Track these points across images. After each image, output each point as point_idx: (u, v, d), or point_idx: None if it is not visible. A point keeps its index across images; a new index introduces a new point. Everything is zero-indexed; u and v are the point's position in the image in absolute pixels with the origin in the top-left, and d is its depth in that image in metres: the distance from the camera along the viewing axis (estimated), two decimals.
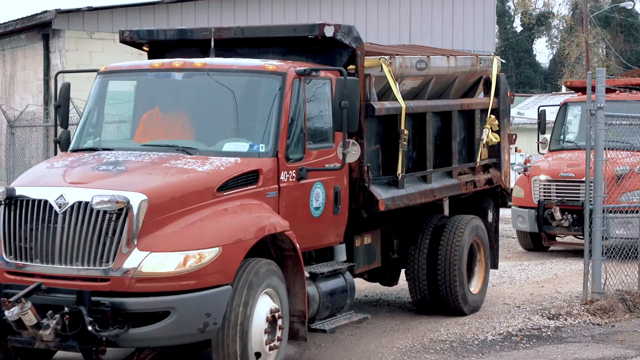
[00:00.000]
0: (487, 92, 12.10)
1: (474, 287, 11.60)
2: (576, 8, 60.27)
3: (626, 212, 14.47)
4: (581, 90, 18.03)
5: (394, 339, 10.15)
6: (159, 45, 10.29)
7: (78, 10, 18.39)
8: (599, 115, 11.73)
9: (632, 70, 21.65)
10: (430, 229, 11.22)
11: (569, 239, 17.15)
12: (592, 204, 11.87)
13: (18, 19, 19.38)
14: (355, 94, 8.61)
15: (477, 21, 21.59)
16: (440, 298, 11.11)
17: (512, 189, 15.97)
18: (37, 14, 18.57)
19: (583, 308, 11.53)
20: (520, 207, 16.73)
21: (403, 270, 11.45)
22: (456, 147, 11.35)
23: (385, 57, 10.09)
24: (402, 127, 10.09)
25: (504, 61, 11.81)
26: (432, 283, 11.10)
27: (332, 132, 8.97)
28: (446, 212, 11.86)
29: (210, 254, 7.54)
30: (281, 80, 8.68)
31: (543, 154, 17.70)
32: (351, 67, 9.41)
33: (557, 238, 17.02)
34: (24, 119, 18.58)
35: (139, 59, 11.40)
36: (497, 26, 51.67)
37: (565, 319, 11.18)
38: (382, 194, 9.81)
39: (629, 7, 52.63)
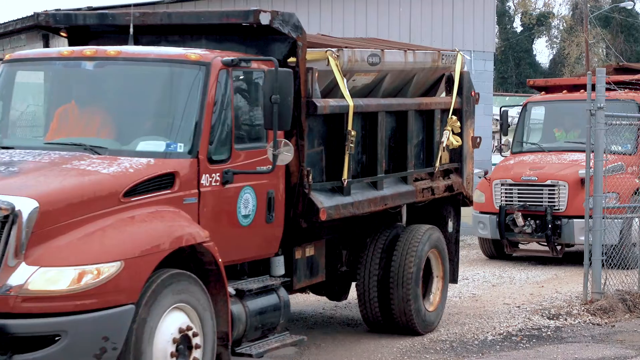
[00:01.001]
0: (449, 91, 11.05)
1: (431, 303, 10.55)
2: (576, 8, 60.25)
3: (591, 218, 14.35)
4: (544, 89, 17.65)
5: (394, 339, 10.15)
6: (81, 32, 9.20)
7: (78, 10, 18.35)
8: (599, 115, 11.72)
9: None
10: (383, 239, 10.19)
11: (533, 245, 16.11)
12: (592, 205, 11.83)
13: (18, 19, 19.34)
14: (287, 88, 7.67)
15: (477, 21, 21.54)
16: (392, 316, 10.10)
17: (474, 200, 15.52)
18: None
19: (583, 308, 11.53)
20: (481, 212, 15.76)
21: (354, 284, 10.42)
22: (412, 151, 10.30)
23: (332, 49, 9.05)
24: (349, 127, 9.09)
25: (468, 57, 11.16)
26: (383, 299, 10.07)
27: (265, 131, 8.01)
28: (404, 221, 10.77)
29: (110, 269, 6.57)
30: (205, 71, 7.74)
31: (505, 156, 16.93)
32: (292, 59, 8.48)
33: (520, 245, 16.04)
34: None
35: None
36: (497, 26, 51.69)
37: (565, 319, 11.18)
38: (325, 202, 8.81)
39: (629, 7, 52.62)
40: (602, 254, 11.72)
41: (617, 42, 56.03)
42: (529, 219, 15.12)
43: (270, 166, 7.82)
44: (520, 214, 15.09)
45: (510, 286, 13.68)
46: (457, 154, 11.16)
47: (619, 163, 14.87)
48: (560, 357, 9.50)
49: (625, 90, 15.44)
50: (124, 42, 8.49)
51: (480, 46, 21.61)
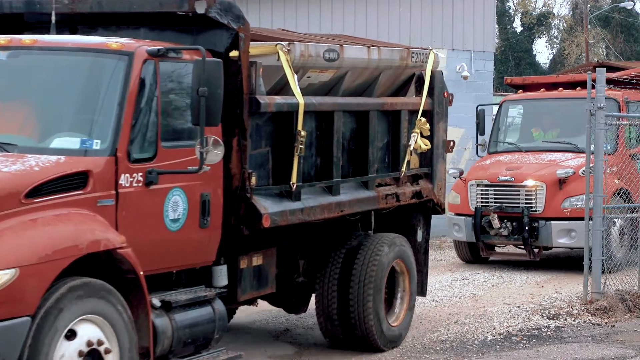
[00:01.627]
0: (419, 91, 10.27)
1: (395, 318, 9.84)
2: (576, 8, 60.23)
3: (569, 220, 14.06)
4: (522, 88, 17.02)
5: None
6: (15, 21, 8.48)
7: None
8: (599, 115, 11.73)
9: (579, 65, 20.59)
10: (344, 249, 9.47)
11: (510, 248, 15.50)
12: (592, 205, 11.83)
13: None
14: (217, 80, 7.03)
15: (477, 21, 21.56)
16: (352, 331, 9.39)
17: (449, 202, 15.09)
18: None
19: (583, 308, 11.53)
20: (456, 214, 15.13)
21: (314, 295, 9.70)
22: (375, 154, 9.54)
23: (283, 43, 8.33)
24: (299, 127, 8.33)
25: (442, 55, 10.27)
26: (343, 314, 9.34)
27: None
28: (371, 229, 10.00)
29: (2, 277, 5.91)
30: (127, 61, 7.08)
31: (482, 156, 16.29)
32: (234, 53, 7.81)
33: (496, 248, 15.42)
34: None
35: None
36: (497, 26, 51.70)
37: (565, 319, 11.18)
38: (269, 207, 8.05)
39: (629, 7, 52.58)
40: (593, 257, 11.70)
41: (617, 42, 56.01)
42: (505, 221, 14.53)
43: (200, 166, 7.11)
44: (496, 215, 14.51)
45: (510, 286, 13.67)
46: (427, 159, 10.39)
47: None
48: (560, 357, 9.50)
49: (606, 89, 15.30)
50: (60, 34, 7.93)
51: (480, 46, 21.62)
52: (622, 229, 14.31)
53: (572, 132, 15.45)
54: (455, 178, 15.32)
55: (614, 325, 10.99)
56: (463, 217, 14.94)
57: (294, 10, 19.93)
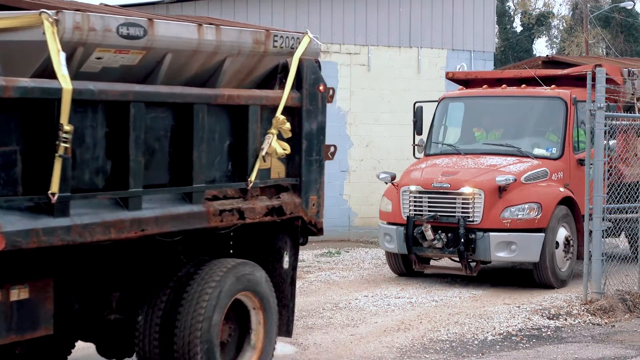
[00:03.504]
0: (282, 84, 8.21)
1: None
2: (576, 8, 60.28)
3: (509, 231, 12.97)
4: (464, 83, 15.60)
5: (394, 339, 10.16)
6: None
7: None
8: (599, 115, 11.73)
9: (525, 60, 17.23)
10: (173, 280, 7.51)
11: (446, 261, 14.28)
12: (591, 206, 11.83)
13: None
14: None
15: (477, 21, 21.56)
16: None
17: (380, 209, 14.14)
18: None
19: (583, 308, 11.54)
20: (388, 223, 13.80)
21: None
22: (204, 159, 7.43)
23: (49, 12, 6.35)
24: (63, 120, 6.30)
25: (320, 42, 8.67)
26: None
27: None
28: (215, 253, 8.09)
29: None
30: None
31: (418, 158, 14.77)
32: None
33: (431, 261, 14.03)
34: None
35: None
36: (497, 26, 51.72)
37: (565, 319, 11.19)
38: (7, 225, 6.05)
39: (629, 7, 52.61)
40: (593, 257, 11.71)
41: (617, 42, 56.02)
42: (439, 231, 13.15)
43: None
44: (429, 226, 13.09)
45: (510, 286, 13.67)
46: (295, 167, 8.28)
47: (543, 169, 13.54)
48: (560, 357, 9.51)
49: (553, 86, 14.33)
50: None
51: (480, 46, 21.61)
52: (569, 240, 13.49)
53: (515, 134, 14.31)
54: (386, 183, 14.17)
55: (614, 325, 11.00)
56: (395, 227, 13.63)
57: (294, 9, 19.93)
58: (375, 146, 19.48)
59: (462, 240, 12.98)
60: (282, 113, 7.99)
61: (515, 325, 10.88)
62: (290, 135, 8.08)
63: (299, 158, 8.30)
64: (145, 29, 6.95)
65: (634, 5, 55.87)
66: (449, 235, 13.13)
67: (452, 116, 15.04)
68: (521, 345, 10.07)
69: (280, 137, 7.95)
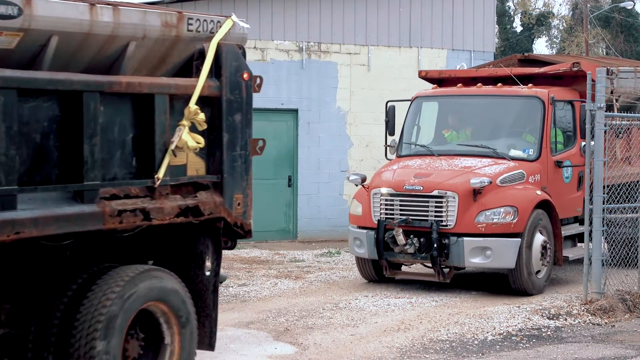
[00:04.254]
0: (199, 71, 7.43)
1: None
2: (576, 8, 60.27)
3: (484, 236, 12.36)
4: (438, 82, 14.90)
5: (394, 339, 10.15)
6: None
7: None
8: (599, 115, 11.73)
9: (502, 58, 16.30)
10: (71, 289, 6.81)
11: (419, 267, 13.83)
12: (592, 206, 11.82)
13: None
14: None
15: (477, 21, 21.58)
16: None
17: (350, 212, 13.56)
18: None
19: (583, 308, 11.54)
20: (359, 227, 13.18)
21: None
22: (97, 154, 6.62)
23: None
24: None
25: (246, 25, 8.01)
26: None
27: None
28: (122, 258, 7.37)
29: None
30: None
31: (390, 159, 14.15)
32: None
33: (403, 267, 13.59)
34: None
35: None
36: (497, 26, 51.71)
37: (565, 319, 11.19)
38: None
39: (629, 7, 52.60)
40: (593, 257, 11.71)
41: (617, 42, 56.02)
42: (411, 236, 12.58)
43: None
44: (401, 230, 12.50)
45: (510, 286, 13.66)
46: (217, 163, 7.57)
47: (519, 171, 12.96)
48: (560, 357, 9.51)
49: (529, 85, 13.71)
50: None
51: (480, 46, 21.61)
52: (546, 246, 12.88)
53: (491, 134, 13.76)
54: (357, 185, 13.54)
55: (614, 325, 10.99)
56: (365, 231, 13.01)
57: (294, 9, 19.93)
58: (375, 146, 19.48)
59: (435, 245, 12.40)
60: (200, 103, 7.29)
61: (515, 325, 10.88)
62: (204, 127, 7.35)
63: (220, 153, 7.57)
64: (20, 8, 6.19)
65: (634, 5, 55.85)
66: (421, 240, 12.59)
67: (425, 116, 14.39)
68: (521, 345, 10.07)
69: (195, 130, 7.25)
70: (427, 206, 12.60)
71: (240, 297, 12.52)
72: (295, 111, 19.56)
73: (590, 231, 11.69)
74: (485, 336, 10.40)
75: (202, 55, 7.47)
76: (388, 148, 14.34)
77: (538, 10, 63.54)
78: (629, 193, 12.49)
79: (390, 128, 14.37)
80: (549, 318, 11.25)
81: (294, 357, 9.43)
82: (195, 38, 7.40)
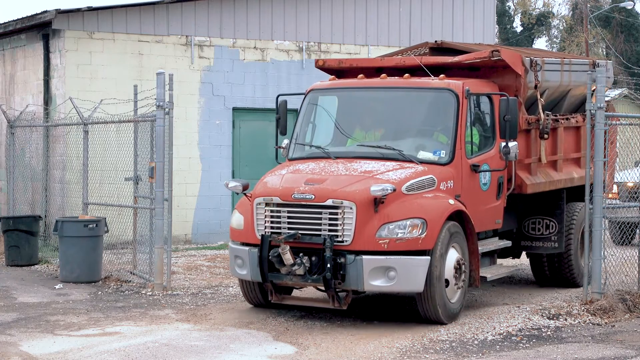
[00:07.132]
0: None
1: None
2: (576, 8, 60.30)
3: (387, 254, 10.39)
4: (338, 73, 12.82)
5: (394, 339, 10.15)
6: None
7: (78, 10, 18.36)
8: (599, 115, 11.72)
9: (411, 46, 13.89)
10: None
11: (312, 291, 11.90)
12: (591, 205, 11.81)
13: (18, 19, 19.36)
14: None
15: (477, 21, 21.60)
16: None
17: (231, 225, 11.51)
18: (37, 14, 18.55)
19: (583, 308, 11.54)
20: (241, 244, 11.18)
21: None
22: None
23: None
24: None
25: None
26: None
27: None
28: None
29: None
30: None
31: (280, 163, 12.12)
32: None
33: (295, 291, 11.69)
34: (24, 119, 18.60)
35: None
36: (497, 26, 51.70)
37: (565, 319, 11.19)
38: None
39: (629, 7, 52.63)
40: (593, 257, 11.71)
41: (617, 42, 56.04)
42: (301, 254, 10.55)
43: None
44: (288, 247, 10.47)
45: (510, 286, 13.67)
46: None
47: (429, 176, 10.95)
48: (560, 357, 9.50)
49: (442, 76, 11.73)
50: None
51: None
52: (460, 264, 10.97)
53: (397, 133, 11.75)
54: (237, 194, 11.83)
55: (614, 325, 10.99)
56: (247, 248, 11.00)
57: (294, 9, 19.93)
58: None
59: (329, 265, 10.39)
60: None
61: (515, 325, 10.88)
62: None
63: None
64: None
65: (634, 5, 55.87)
66: (313, 259, 10.57)
67: (321, 112, 12.27)
68: (521, 345, 10.07)
69: None
70: (320, 218, 10.56)
71: (240, 297, 12.51)
72: (296, 111, 19.55)
73: (591, 231, 11.70)
74: (485, 336, 10.40)
75: None
76: (280, 150, 12.30)
77: (538, 10, 63.56)
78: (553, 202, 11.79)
79: (281, 127, 12.42)
80: (549, 318, 11.25)
81: (294, 357, 9.43)
82: None
